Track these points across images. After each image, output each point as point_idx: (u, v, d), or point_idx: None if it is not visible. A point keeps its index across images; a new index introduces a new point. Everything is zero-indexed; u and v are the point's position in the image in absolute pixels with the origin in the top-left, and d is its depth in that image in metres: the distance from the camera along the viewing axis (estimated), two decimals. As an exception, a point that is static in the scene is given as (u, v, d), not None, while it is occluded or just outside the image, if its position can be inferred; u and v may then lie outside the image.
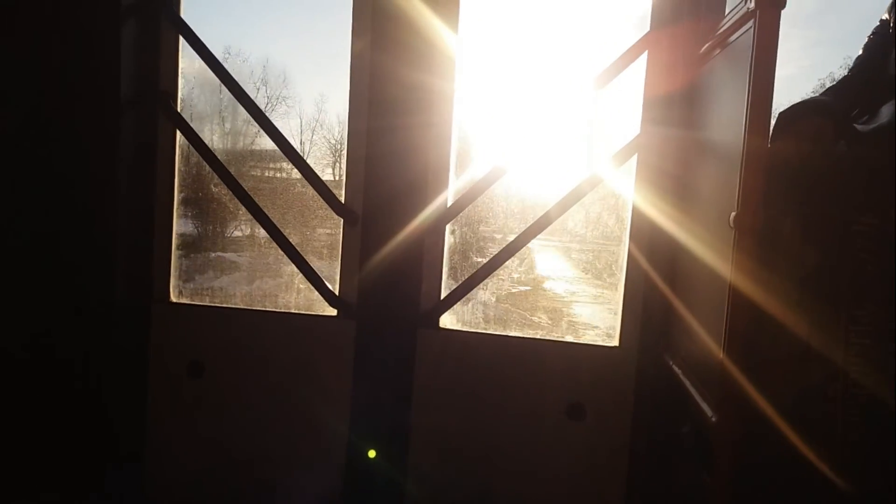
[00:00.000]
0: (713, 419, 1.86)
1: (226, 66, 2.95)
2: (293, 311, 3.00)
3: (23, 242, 2.88)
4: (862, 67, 2.29)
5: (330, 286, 2.89)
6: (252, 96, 2.96)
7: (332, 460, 2.88)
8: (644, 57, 2.61)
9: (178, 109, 3.00)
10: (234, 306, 3.05)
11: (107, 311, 2.91)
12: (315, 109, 3.31)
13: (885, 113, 2.03)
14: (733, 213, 1.81)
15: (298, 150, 2.97)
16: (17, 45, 2.83)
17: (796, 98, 2.37)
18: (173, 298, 3.06)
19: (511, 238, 2.75)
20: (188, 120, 3.00)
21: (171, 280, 3.06)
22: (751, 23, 1.78)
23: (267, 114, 2.95)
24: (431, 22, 2.74)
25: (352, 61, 2.84)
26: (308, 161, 2.92)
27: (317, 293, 2.90)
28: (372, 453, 2.84)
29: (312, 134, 3.35)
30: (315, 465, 2.89)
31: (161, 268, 3.03)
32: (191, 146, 3.01)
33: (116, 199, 2.89)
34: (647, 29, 2.62)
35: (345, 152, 2.90)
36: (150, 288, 3.03)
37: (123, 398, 2.99)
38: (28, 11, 2.83)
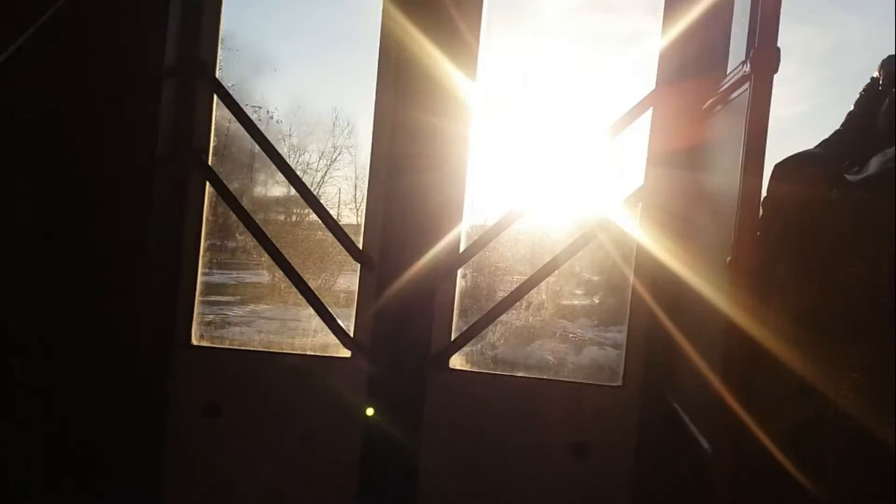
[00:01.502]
0: (710, 452, 1.93)
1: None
2: (309, 352, 3.12)
3: (58, 284, 3.01)
4: (853, 122, 2.46)
5: (345, 328, 3.02)
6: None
7: (346, 500, 2.94)
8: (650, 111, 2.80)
9: (210, 163, 3.20)
10: (252, 349, 3.17)
11: (131, 352, 3.02)
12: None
13: (873, 164, 2.17)
14: (729, 258, 1.94)
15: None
16: (65, 97, 3.02)
17: (809, 135, 2.53)
18: (194, 342, 3.19)
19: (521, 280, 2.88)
20: (219, 170, 3.20)
21: (193, 324, 3.19)
22: (747, 84, 1.95)
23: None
24: (450, 72, 2.92)
25: (375, 112, 3.04)
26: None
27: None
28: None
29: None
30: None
31: (184, 312, 3.17)
32: (219, 197, 3.19)
33: (147, 246, 3.03)
34: (653, 83, 2.80)
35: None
36: (173, 331, 3.16)
37: (142, 437, 3.07)
38: (75, 67, 3.02)
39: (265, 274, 3.45)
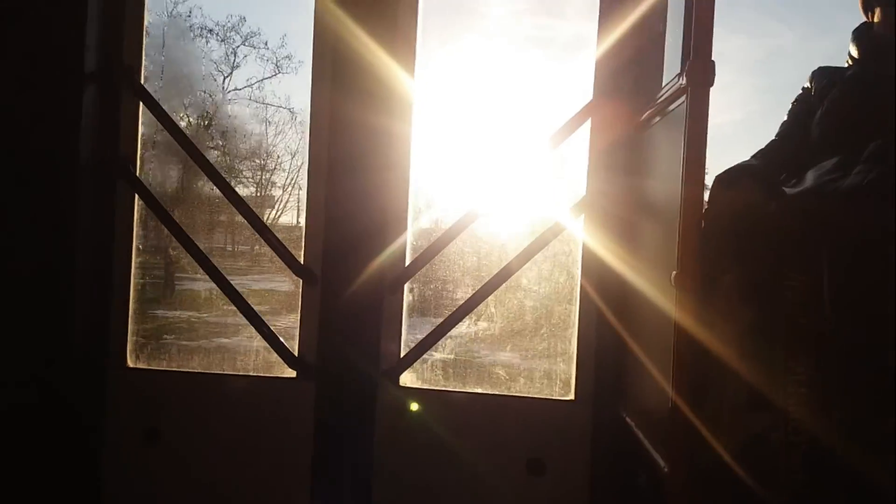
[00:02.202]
0: (665, 469, 1.92)
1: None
2: (251, 373, 3.00)
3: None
4: (788, 131, 2.48)
5: (288, 346, 2.91)
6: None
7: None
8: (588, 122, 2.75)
9: (137, 174, 3.02)
10: (191, 370, 3.03)
11: (62, 376, 2.85)
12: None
13: (809, 177, 2.18)
14: (674, 273, 1.91)
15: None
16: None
17: (745, 142, 2.55)
18: (130, 363, 3.03)
19: (469, 294, 2.81)
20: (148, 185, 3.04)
21: (127, 345, 3.03)
22: (683, 97, 1.92)
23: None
24: (389, 66, 2.80)
25: (312, 106, 2.90)
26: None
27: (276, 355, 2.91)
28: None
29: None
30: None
31: (117, 333, 3.01)
32: (148, 209, 3.02)
33: (73, 264, 2.86)
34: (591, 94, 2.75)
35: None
36: (106, 353, 2.99)
37: (77, 465, 2.92)
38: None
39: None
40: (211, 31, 3.41)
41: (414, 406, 2.81)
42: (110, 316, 3.00)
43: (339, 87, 2.85)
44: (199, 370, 3.03)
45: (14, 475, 2.80)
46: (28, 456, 2.81)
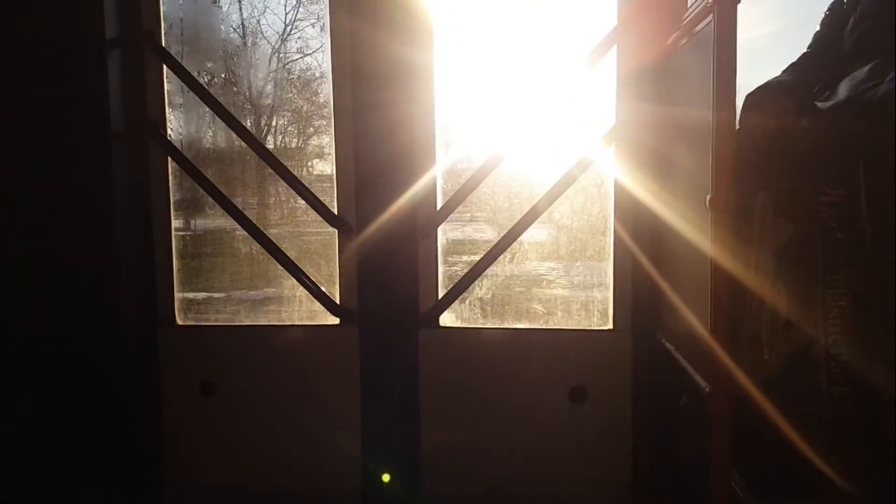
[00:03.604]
0: (707, 390, 1.96)
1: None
2: (297, 322, 3.09)
3: (27, 278, 2.91)
4: (820, 43, 2.41)
5: (330, 294, 2.98)
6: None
7: (349, 465, 2.97)
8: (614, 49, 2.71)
9: (168, 136, 3.07)
10: (238, 324, 3.13)
11: (113, 339, 2.95)
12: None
13: (842, 88, 2.14)
14: (709, 196, 1.91)
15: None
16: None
17: (782, 55, 2.49)
18: (179, 321, 3.14)
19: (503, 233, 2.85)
20: (180, 146, 3.09)
21: (174, 304, 3.13)
22: (710, 16, 1.88)
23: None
24: None
25: (331, 33, 2.89)
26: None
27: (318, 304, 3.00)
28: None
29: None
30: (331, 470, 2.99)
31: (164, 293, 3.11)
32: (183, 171, 3.08)
33: (113, 229, 2.93)
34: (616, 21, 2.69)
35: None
36: (155, 313, 3.10)
37: (139, 420, 3.06)
38: (11, 46, 2.85)
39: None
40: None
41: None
42: (155, 277, 3.09)
43: (358, 12, 2.82)
44: (247, 323, 3.12)
45: (75, 436, 2.94)
46: (87, 417, 2.94)
